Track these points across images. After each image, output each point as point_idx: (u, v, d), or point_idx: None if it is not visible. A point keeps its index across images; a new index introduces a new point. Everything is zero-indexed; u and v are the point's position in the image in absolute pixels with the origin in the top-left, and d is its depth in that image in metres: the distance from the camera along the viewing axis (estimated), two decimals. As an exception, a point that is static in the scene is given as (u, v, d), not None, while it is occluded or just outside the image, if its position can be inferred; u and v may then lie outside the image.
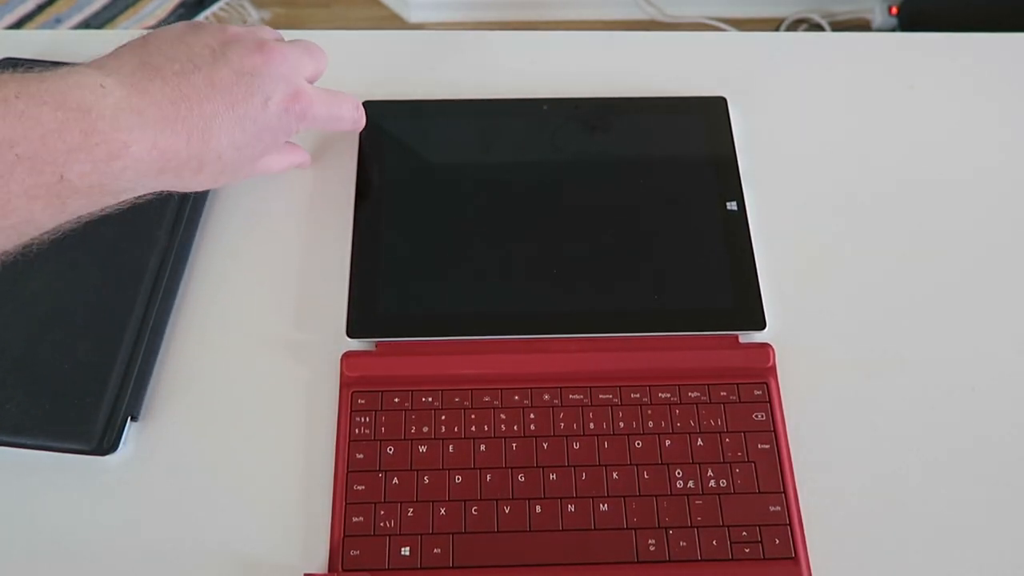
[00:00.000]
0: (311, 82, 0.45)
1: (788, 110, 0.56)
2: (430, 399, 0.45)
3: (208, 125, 0.39)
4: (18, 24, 1.51)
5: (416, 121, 0.54)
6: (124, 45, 0.40)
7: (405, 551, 0.42)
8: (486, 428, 0.45)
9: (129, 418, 0.45)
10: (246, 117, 0.40)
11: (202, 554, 0.43)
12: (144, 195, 0.40)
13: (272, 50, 0.42)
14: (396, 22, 1.61)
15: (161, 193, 0.40)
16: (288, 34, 0.60)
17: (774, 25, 1.59)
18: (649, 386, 0.46)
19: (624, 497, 0.43)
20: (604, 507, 0.43)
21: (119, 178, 0.36)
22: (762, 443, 0.45)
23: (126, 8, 1.54)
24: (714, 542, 0.42)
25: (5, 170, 0.32)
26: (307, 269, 0.50)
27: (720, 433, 0.45)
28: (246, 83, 0.40)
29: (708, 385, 0.46)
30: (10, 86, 0.33)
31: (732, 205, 0.51)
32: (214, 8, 1.55)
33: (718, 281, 0.48)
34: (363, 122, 0.49)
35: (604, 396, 0.46)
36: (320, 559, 0.43)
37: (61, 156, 0.34)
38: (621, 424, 0.45)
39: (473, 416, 0.45)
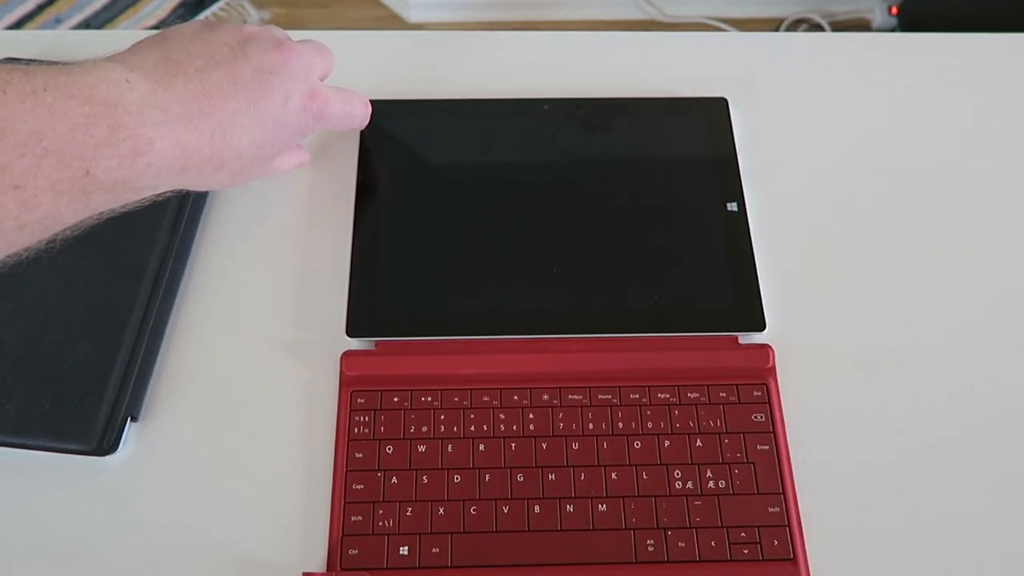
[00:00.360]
0: (321, 81, 0.45)
1: (788, 110, 0.56)
2: (429, 399, 0.45)
3: (230, 122, 0.39)
4: (18, 24, 1.51)
5: (416, 121, 0.54)
6: (142, 41, 0.40)
7: (404, 550, 0.42)
8: (485, 428, 0.45)
9: (129, 418, 0.45)
10: (266, 115, 0.40)
11: (202, 554, 0.43)
12: (164, 192, 0.39)
13: (290, 49, 0.42)
14: (396, 22, 1.61)
15: (180, 191, 0.40)
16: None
17: (774, 25, 1.59)
18: (648, 387, 0.46)
19: (623, 497, 0.43)
20: (603, 507, 0.43)
21: (143, 174, 0.36)
22: (761, 444, 0.45)
23: (126, 8, 1.54)
24: (713, 543, 0.42)
25: (33, 164, 0.32)
26: (307, 269, 0.50)
27: (719, 434, 0.45)
28: (266, 81, 0.40)
29: (707, 386, 0.46)
30: (39, 78, 0.33)
31: (732, 206, 0.51)
32: (214, 8, 1.55)
33: (718, 282, 0.48)
34: (368, 118, 0.50)
35: (603, 396, 0.46)
36: (319, 558, 0.43)
37: (89, 151, 0.34)
38: (620, 424, 0.45)
39: (472, 416, 0.45)
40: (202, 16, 1.54)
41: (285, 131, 0.42)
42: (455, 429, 0.45)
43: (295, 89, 0.42)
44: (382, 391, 0.46)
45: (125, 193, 0.37)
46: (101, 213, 0.37)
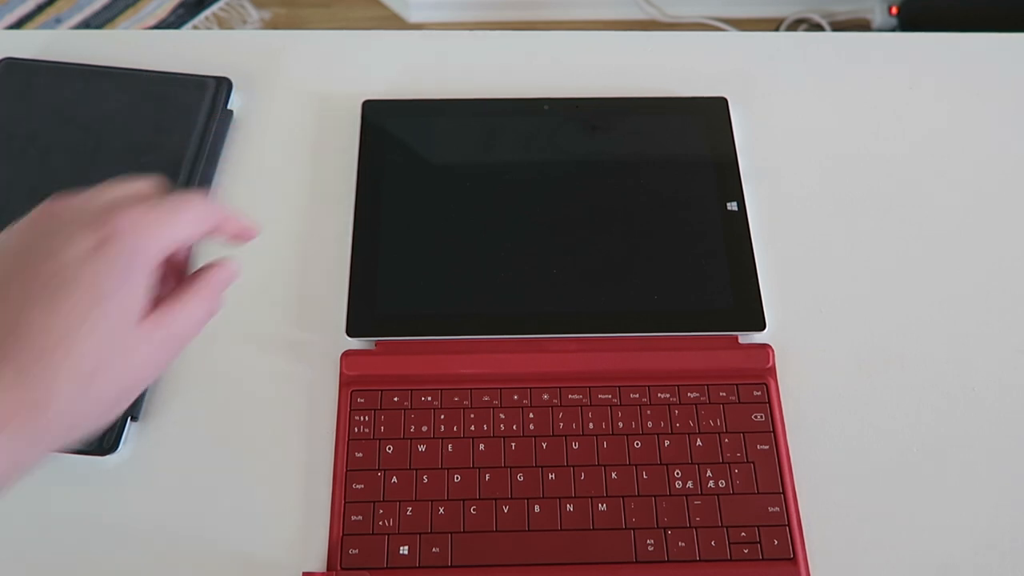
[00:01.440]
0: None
1: (788, 110, 0.56)
2: (429, 398, 0.45)
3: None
4: (18, 24, 1.51)
5: (416, 121, 0.54)
6: None
7: (404, 550, 0.42)
8: (485, 427, 0.45)
9: (129, 418, 0.45)
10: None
11: (202, 553, 0.43)
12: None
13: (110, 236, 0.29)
14: (396, 22, 1.61)
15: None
16: (288, 35, 0.60)
17: (774, 25, 1.59)
18: (648, 386, 0.46)
19: (623, 497, 0.43)
20: (603, 507, 0.43)
21: None
22: (761, 444, 0.45)
23: (126, 8, 1.54)
24: (713, 542, 0.42)
25: None
26: (307, 269, 0.50)
27: (719, 433, 0.45)
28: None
29: (707, 385, 0.46)
30: None
31: (732, 205, 0.51)
32: (214, 8, 1.55)
33: (718, 281, 0.48)
34: (227, 223, 0.35)
35: (603, 396, 0.46)
36: (319, 558, 0.43)
37: None
38: (620, 424, 0.45)
39: (472, 415, 0.45)
40: (201, 16, 1.53)
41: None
42: (455, 429, 0.45)
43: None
44: (382, 391, 0.46)
45: None
46: None
